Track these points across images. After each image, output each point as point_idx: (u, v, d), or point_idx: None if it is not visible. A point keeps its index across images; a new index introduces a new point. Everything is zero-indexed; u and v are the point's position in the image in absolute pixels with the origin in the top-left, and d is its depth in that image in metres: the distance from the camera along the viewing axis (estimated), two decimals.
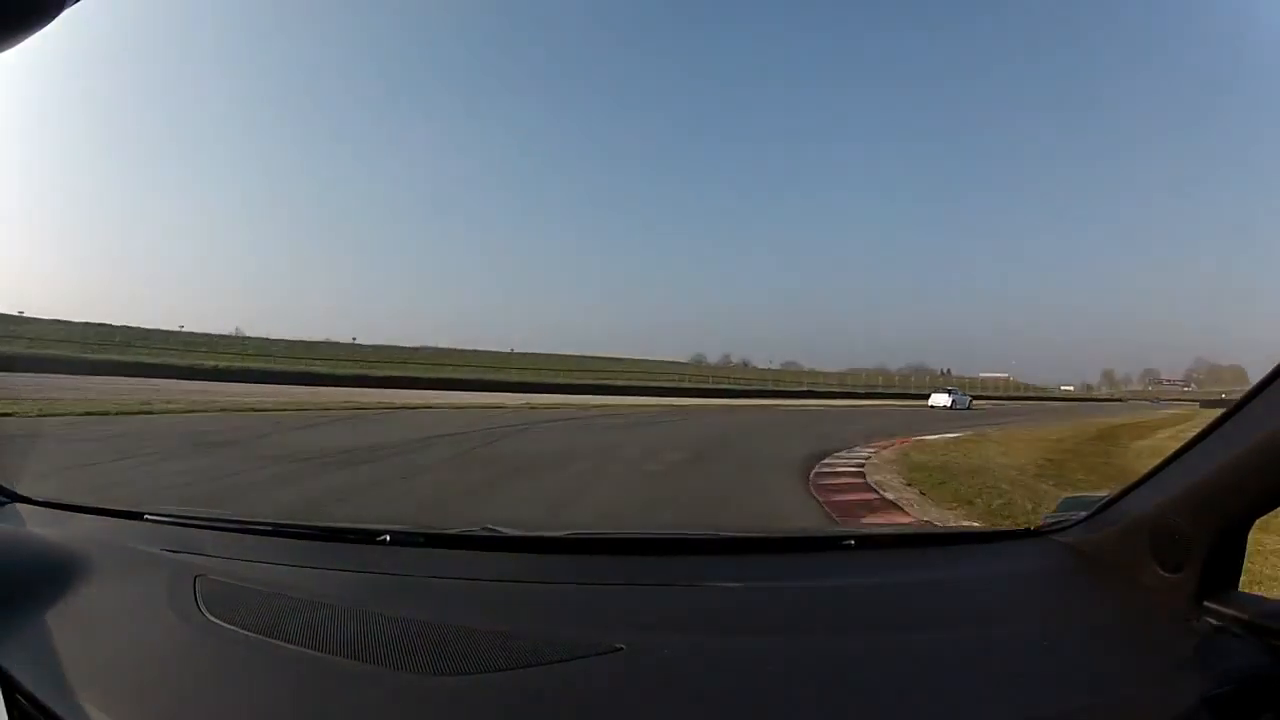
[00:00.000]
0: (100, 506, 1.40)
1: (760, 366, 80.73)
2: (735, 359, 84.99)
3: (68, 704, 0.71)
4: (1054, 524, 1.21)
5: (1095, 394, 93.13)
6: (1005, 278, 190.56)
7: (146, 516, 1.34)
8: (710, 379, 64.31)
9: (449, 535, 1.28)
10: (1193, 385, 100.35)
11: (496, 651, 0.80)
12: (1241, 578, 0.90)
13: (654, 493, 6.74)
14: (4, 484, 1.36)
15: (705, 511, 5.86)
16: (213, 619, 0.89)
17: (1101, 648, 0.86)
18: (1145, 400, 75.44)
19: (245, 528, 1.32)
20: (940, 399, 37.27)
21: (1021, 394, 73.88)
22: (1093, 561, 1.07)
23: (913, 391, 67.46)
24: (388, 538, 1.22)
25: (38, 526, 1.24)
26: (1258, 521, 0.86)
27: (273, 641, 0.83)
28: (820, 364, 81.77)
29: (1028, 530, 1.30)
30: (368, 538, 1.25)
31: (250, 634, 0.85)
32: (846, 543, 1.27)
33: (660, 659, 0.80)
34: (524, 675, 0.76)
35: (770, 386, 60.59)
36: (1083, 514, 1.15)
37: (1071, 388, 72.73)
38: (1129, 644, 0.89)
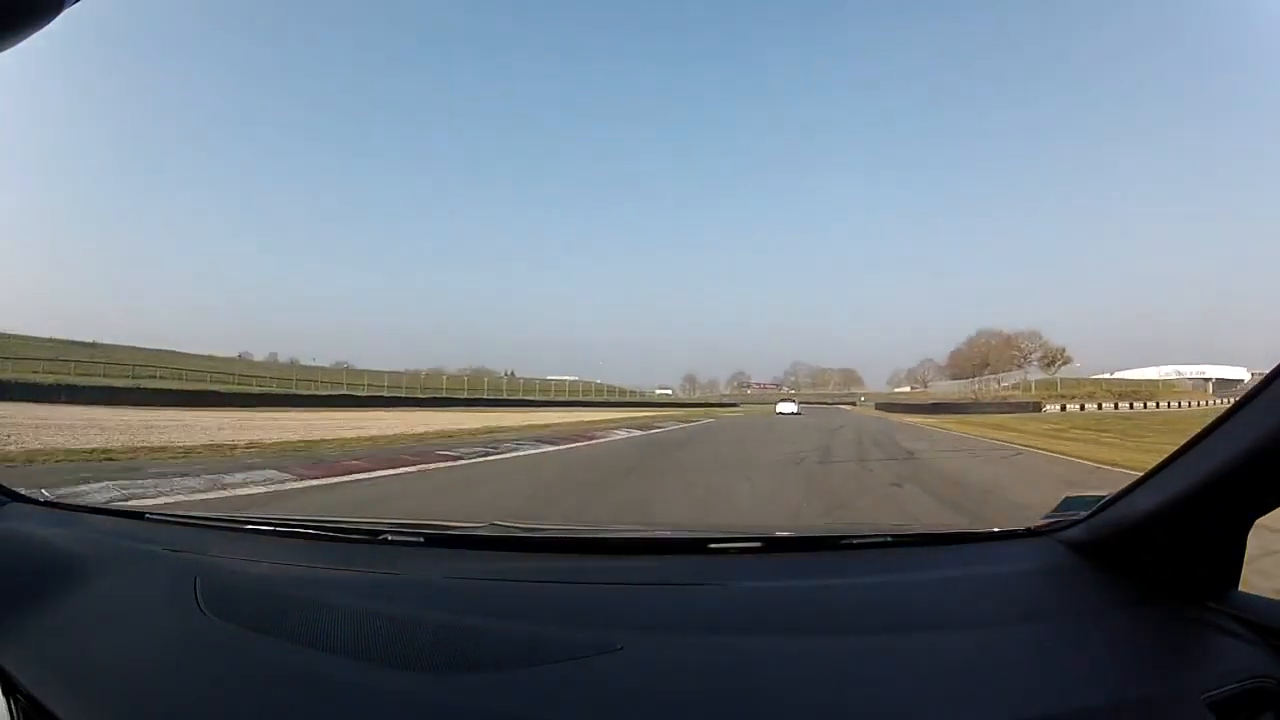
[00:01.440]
0: (100, 506, 1.43)
1: (308, 364, 72.86)
2: (284, 357, 76.10)
3: (68, 704, 0.72)
4: (1054, 524, 1.21)
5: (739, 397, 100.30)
6: (565, 278, 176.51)
7: (147, 516, 1.35)
8: (273, 378, 54.09)
9: (449, 534, 1.30)
10: (786, 388, 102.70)
11: (496, 651, 0.81)
12: (1241, 577, 0.92)
13: None
14: (4, 484, 1.34)
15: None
16: (212, 618, 0.89)
17: (1101, 648, 0.87)
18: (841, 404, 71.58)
19: (245, 527, 1.32)
20: (788, 407, 42.04)
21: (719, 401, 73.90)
22: (1093, 561, 1.07)
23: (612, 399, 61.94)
24: (388, 536, 1.23)
25: (38, 526, 1.23)
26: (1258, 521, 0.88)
27: (273, 640, 0.84)
28: (371, 364, 75.94)
29: (1028, 530, 1.29)
30: (368, 536, 1.25)
31: (250, 633, 0.86)
32: (846, 542, 1.28)
33: (660, 659, 0.81)
34: (524, 675, 0.77)
35: (347, 391, 52.94)
36: (1083, 514, 1.14)
37: (670, 391, 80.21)
38: (1129, 644, 0.90)
